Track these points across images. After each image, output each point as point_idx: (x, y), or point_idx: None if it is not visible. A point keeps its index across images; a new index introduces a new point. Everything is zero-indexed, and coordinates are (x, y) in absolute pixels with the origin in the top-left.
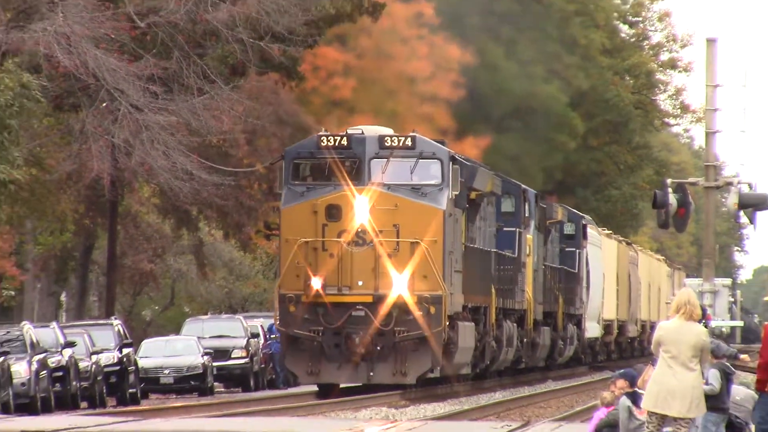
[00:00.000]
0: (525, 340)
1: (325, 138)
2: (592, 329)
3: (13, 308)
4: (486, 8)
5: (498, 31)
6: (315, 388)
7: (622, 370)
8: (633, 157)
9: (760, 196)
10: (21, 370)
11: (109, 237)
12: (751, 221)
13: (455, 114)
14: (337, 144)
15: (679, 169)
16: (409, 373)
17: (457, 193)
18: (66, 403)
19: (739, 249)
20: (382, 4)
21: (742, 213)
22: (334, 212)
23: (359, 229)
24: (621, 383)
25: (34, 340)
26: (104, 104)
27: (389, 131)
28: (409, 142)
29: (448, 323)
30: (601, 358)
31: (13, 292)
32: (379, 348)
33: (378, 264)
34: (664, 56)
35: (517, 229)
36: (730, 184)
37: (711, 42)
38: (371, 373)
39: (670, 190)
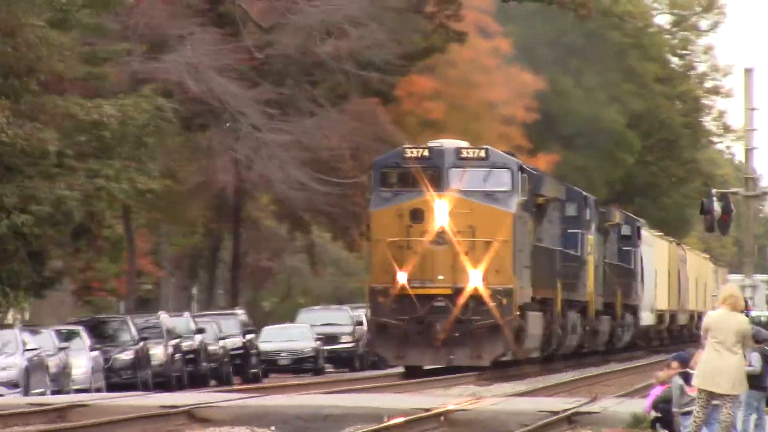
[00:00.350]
0: (587, 327)
1: (409, 150)
2: (647, 318)
3: (151, 300)
4: (555, 42)
5: (565, 61)
6: (402, 369)
7: (675, 354)
8: (683, 170)
9: None
10: (158, 353)
11: (233, 238)
12: None
13: (529, 133)
14: (419, 155)
15: (723, 180)
16: (485, 357)
17: (525, 198)
18: (197, 381)
19: None
20: (466, 32)
21: None
22: (417, 215)
23: (439, 230)
24: (675, 365)
25: (170, 328)
26: (228, 125)
27: (465, 144)
28: (482, 154)
29: (518, 313)
30: (655, 344)
31: (150, 286)
32: (457, 334)
33: (456, 261)
34: (709, 84)
35: (580, 231)
36: (766, 193)
37: (748, 71)
38: (451, 357)
39: (715, 199)
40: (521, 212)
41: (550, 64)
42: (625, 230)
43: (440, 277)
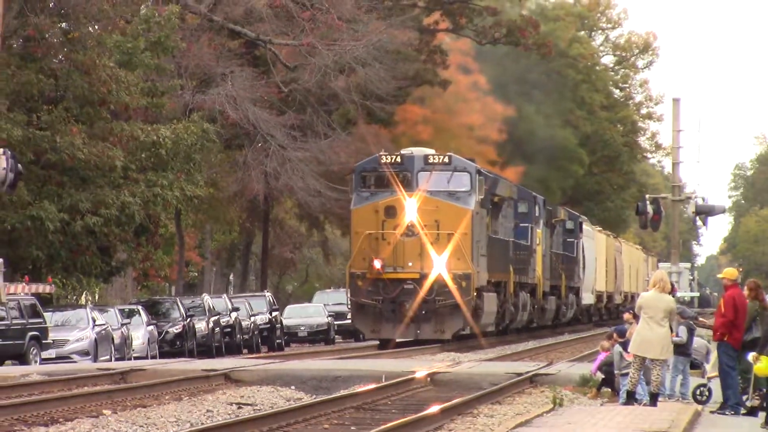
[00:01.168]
0: (536, 306)
1: (384, 156)
2: (587, 298)
3: (196, 285)
4: (521, 78)
5: (530, 93)
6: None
7: (615, 327)
8: (622, 180)
9: (710, 206)
10: (201, 327)
11: (263, 235)
12: (704, 223)
13: (499, 151)
14: (393, 161)
15: (654, 188)
16: (447, 331)
17: (482, 197)
18: (232, 350)
19: (696, 242)
20: (449, 81)
21: (697, 218)
22: (390, 211)
23: (409, 224)
24: (615, 336)
25: (211, 307)
26: (260, 144)
27: (432, 151)
28: (446, 160)
29: (475, 294)
30: (595, 319)
31: (196, 274)
32: (423, 312)
33: (423, 250)
34: (644, 110)
35: (530, 225)
36: (689, 198)
37: (676, 101)
38: (418, 331)
39: (648, 202)
40: (479, 209)
41: (517, 95)
42: (569, 225)
43: (410, 264)
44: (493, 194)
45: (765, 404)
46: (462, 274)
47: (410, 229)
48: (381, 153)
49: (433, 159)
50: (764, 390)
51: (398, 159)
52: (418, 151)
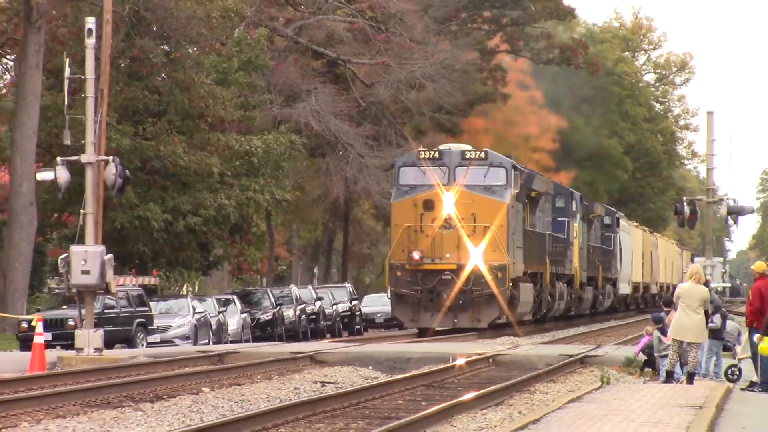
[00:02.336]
0: (573, 296)
1: (423, 152)
2: (624, 288)
3: (285, 277)
4: (572, 94)
5: (579, 107)
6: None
7: (653, 315)
8: (662, 184)
9: (740, 207)
10: (289, 314)
11: (344, 233)
12: (735, 222)
13: (553, 158)
14: (431, 156)
15: (691, 191)
16: (483, 320)
17: (517, 191)
18: (317, 334)
19: (728, 239)
20: (509, 96)
21: (729, 218)
22: (429, 205)
23: (447, 217)
24: (652, 325)
25: (298, 296)
26: (340, 153)
27: (469, 147)
28: (482, 155)
29: (511, 284)
30: (632, 308)
31: (284, 267)
32: (461, 302)
33: (460, 242)
34: (681, 122)
35: (567, 219)
36: (722, 200)
37: (710, 114)
38: (455, 320)
39: (685, 204)
40: (514, 202)
41: (568, 108)
42: (607, 220)
43: (447, 255)
44: (530, 189)
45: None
46: (498, 266)
47: (448, 221)
48: (420, 149)
49: (470, 154)
50: None
51: (436, 154)
52: (455, 146)
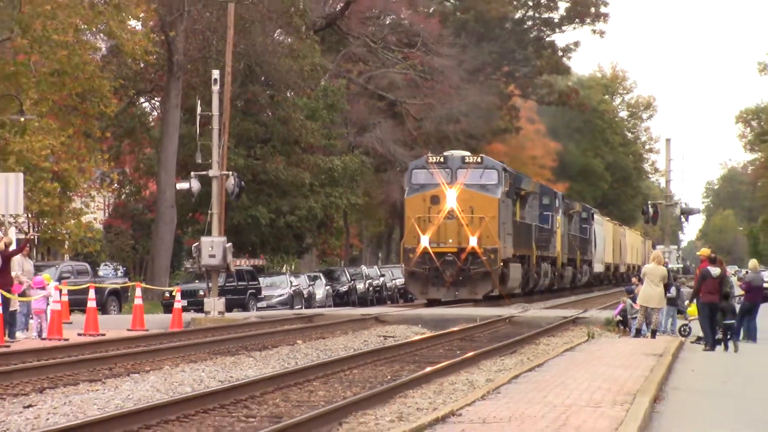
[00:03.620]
0: (556, 273)
1: (431, 157)
2: (598, 267)
3: (357, 259)
4: (567, 126)
5: (572, 135)
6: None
7: (628, 287)
8: (633, 192)
9: (690, 209)
10: (360, 286)
11: (400, 228)
12: (686, 220)
13: (553, 173)
14: (437, 161)
15: (654, 197)
16: (479, 292)
17: (507, 189)
18: (381, 302)
19: (681, 232)
20: (521, 127)
21: (682, 216)
22: (435, 200)
23: (450, 210)
24: (626, 295)
25: (367, 274)
26: (398, 169)
27: (468, 153)
28: (479, 160)
29: (502, 264)
30: (605, 284)
31: (357, 252)
32: (461, 278)
33: (460, 229)
34: (647, 146)
35: (551, 213)
36: (676, 203)
37: (668, 140)
38: (456, 293)
39: (650, 206)
40: (504, 198)
41: (564, 137)
42: (584, 215)
43: (450, 240)
44: (519, 188)
45: (711, 335)
46: (490, 249)
47: (450, 213)
48: (428, 155)
49: (469, 159)
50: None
51: (441, 159)
52: (457, 153)
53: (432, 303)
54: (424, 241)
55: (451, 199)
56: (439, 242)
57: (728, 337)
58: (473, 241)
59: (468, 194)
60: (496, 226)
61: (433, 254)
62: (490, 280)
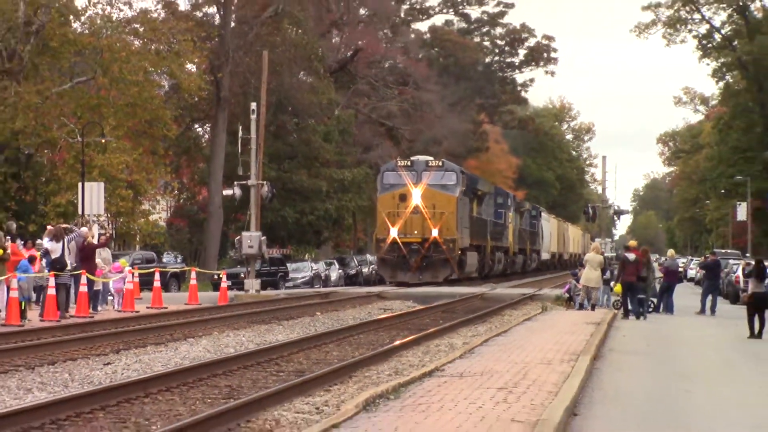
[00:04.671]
0: (509, 260)
1: (400, 161)
2: (545, 255)
3: (363, 249)
4: (526, 146)
5: (530, 153)
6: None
7: (573, 271)
8: (576, 197)
9: (621, 210)
10: (366, 270)
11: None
12: (618, 219)
13: (514, 183)
14: (405, 164)
15: (593, 201)
16: (440, 276)
17: (464, 188)
18: (382, 282)
19: (614, 228)
20: (488, 147)
21: (615, 216)
22: (403, 197)
23: (415, 206)
24: (572, 277)
25: (371, 260)
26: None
27: (431, 158)
28: (440, 163)
29: (460, 252)
30: (552, 269)
31: (363, 243)
32: (424, 264)
33: (424, 223)
34: (588, 162)
35: (504, 211)
36: (610, 206)
37: (604, 157)
38: (420, 277)
39: (590, 208)
40: (462, 196)
41: (523, 154)
42: (533, 213)
43: (415, 232)
44: (475, 189)
45: (639, 308)
46: (450, 239)
47: (416, 209)
48: (397, 159)
49: (432, 163)
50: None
51: (409, 163)
52: (422, 158)
53: (400, 285)
54: (393, 233)
55: (416, 196)
56: (406, 233)
57: (641, 309)
58: (435, 233)
59: (431, 193)
60: (454, 220)
61: (400, 243)
62: (449, 266)
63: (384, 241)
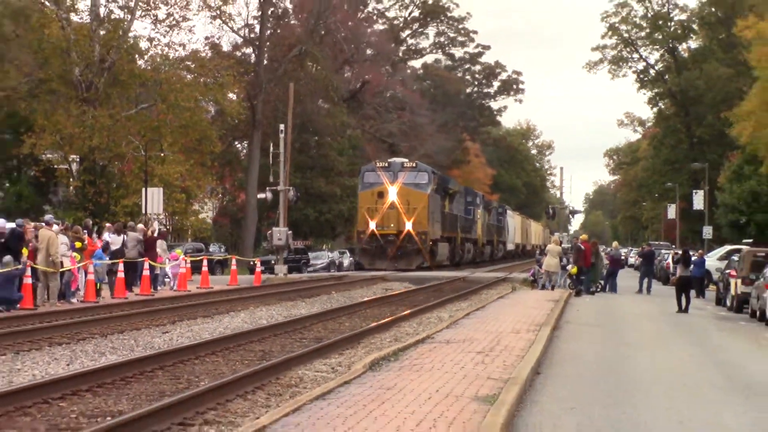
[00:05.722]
0: (477, 250)
1: (378, 162)
2: (510, 246)
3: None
4: (500, 159)
5: (503, 165)
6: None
7: (537, 257)
8: (539, 200)
9: (576, 210)
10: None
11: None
12: (573, 217)
13: (491, 189)
14: (383, 166)
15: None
16: (413, 264)
17: (435, 187)
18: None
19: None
20: (469, 160)
21: (570, 215)
22: (381, 194)
23: (391, 202)
24: (536, 264)
25: None
26: None
27: (406, 160)
28: (414, 165)
29: (431, 243)
30: (516, 258)
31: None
32: (399, 253)
33: (399, 217)
34: (549, 171)
35: (474, 208)
36: (567, 207)
37: (561, 168)
38: (396, 264)
39: (550, 209)
40: (434, 194)
41: (498, 165)
42: (500, 210)
43: (391, 225)
44: (447, 187)
45: (581, 287)
46: (422, 231)
47: (392, 204)
48: (376, 161)
49: (407, 164)
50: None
51: (386, 164)
52: (398, 159)
53: (377, 271)
54: (372, 226)
55: (392, 194)
56: (383, 226)
57: (591, 289)
58: (408, 226)
59: (405, 190)
60: (426, 215)
61: (378, 235)
62: (421, 255)
63: (364, 233)
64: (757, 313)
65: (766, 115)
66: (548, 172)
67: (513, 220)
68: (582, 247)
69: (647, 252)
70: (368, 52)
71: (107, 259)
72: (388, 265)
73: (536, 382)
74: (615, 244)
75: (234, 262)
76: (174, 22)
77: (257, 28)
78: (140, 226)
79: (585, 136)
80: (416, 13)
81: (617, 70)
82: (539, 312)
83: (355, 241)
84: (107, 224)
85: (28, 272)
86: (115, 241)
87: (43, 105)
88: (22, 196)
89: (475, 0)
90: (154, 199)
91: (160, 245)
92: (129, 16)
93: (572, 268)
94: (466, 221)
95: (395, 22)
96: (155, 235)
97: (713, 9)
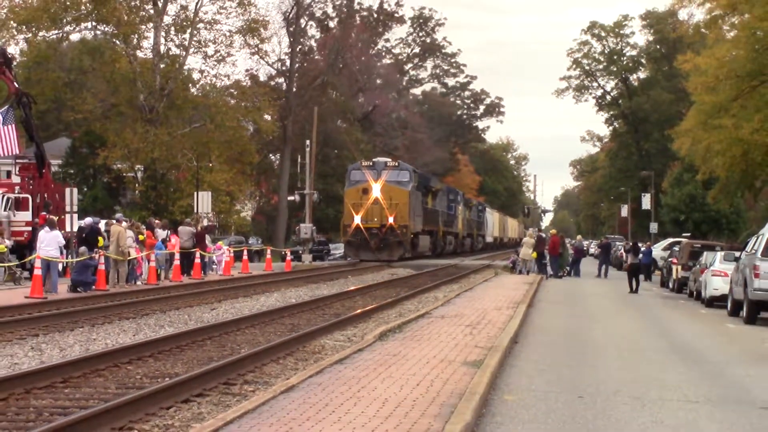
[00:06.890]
0: (458, 242)
1: (363, 161)
2: (489, 239)
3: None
4: (485, 168)
5: (488, 173)
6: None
7: (516, 249)
8: (517, 201)
9: (547, 209)
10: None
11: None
12: (544, 215)
13: (477, 193)
14: (368, 165)
15: (528, 204)
16: (395, 255)
17: (416, 184)
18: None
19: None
20: (460, 169)
21: (542, 213)
22: (366, 191)
23: (375, 198)
24: (514, 254)
25: None
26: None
27: (389, 159)
28: (396, 164)
29: (413, 235)
30: (494, 250)
31: None
32: (382, 245)
33: (383, 212)
34: (525, 178)
35: (455, 204)
36: (539, 207)
37: (535, 175)
38: (379, 256)
39: (525, 209)
40: (415, 191)
41: (482, 173)
42: (480, 207)
43: (375, 219)
44: (428, 185)
45: (546, 272)
46: (403, 225)
47: (376, 200)
48: (362, 160)
49: (390, 163)
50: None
51: (371, 163)
52: (382, 159)
53: (363, 262)
54: (357, 220)
55: (376, 190)
56: (368, 220)
57: (559, 274)
58: (391, 220)
59: (388, 187)
60: (407, 210)
61: (363, 229)
62: (402, 247)
63: (349, 227)
64: (694, 293)
65: (701, 132)
66: (524, 179)
67: (492, 216)
68: (543, 236)
69: (605, 244)
70: (378, 81)
71: (165, 249)
72: (372, 256)
73: (515, 349)
74: (579, 237)
75: (269, 252)
76: (220, 58)
77: (288, 62)
78: (187, 220)
79: (554, 149)
80: (417, 50)
81: (580, 95)
82: (517, 293)
83: (341, 234)
84: (156, 221)
85: (102, 260)
86: (160, 235)
87: (114, 125)
88: (97, 199)
89: (465, 39)
90: (203, 201)
91: (207, 239)
92: (184, 53)
93: (533, 253)
94: (448, 216)
95: (400, 57)
96: (203, 229)
97: (658, 46)
